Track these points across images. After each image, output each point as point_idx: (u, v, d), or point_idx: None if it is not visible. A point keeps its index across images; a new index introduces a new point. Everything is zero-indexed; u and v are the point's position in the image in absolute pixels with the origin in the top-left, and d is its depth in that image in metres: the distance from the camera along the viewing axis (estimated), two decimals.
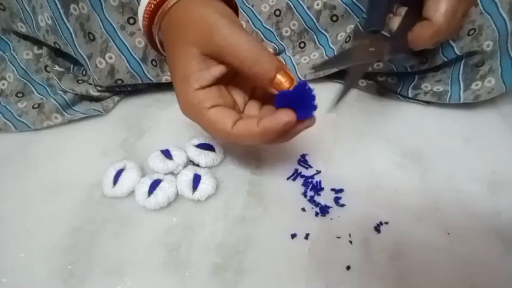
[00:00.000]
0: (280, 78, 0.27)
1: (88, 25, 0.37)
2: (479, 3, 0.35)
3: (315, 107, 0.27)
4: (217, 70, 0.28)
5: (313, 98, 0.27)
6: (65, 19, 0.36)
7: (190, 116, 0.29)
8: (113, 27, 0.38)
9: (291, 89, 0.27)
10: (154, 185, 0.34)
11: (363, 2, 0.40)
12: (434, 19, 0.30)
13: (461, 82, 0.40)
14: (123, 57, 0.39)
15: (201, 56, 0.28)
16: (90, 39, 0.37)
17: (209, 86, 0.28)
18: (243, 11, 0.45)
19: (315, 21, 0.43)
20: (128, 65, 0.39)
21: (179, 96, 0.29)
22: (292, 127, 0.27)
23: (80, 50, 0.38)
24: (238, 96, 0.32)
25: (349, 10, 0.41)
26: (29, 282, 0.30)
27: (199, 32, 0.27)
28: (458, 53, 0.38)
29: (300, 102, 0.27)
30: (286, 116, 0.26)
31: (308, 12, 0.42)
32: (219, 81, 0.29)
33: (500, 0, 0.35)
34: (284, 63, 0.32)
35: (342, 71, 0.43)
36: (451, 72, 0.40)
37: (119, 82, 0.40)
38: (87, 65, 0.39)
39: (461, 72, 0.40)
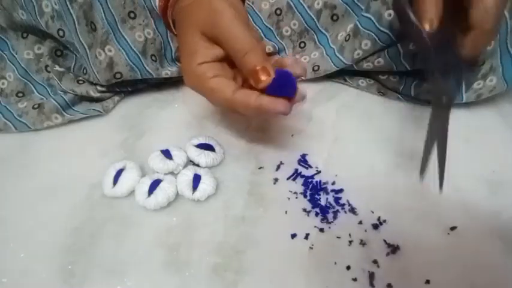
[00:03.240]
0: (259, 73, 0.30)
1: (91, 14, 0.37)
2: None
3: (295, 89, 0.31)
4: (220, 51, 0.32)
5: (294, 82, 0.31)
6: (69, 5, 0.36)
7: (193, 87, 0.32)
8: (115, 18, 0.38)
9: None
10: (154, 185, 0.34)
11: (363, 1, 0.40)
12: (483, 27, 0.30)
13: (463, 88, 0.41)
14: (123, 50, 0.39)
15: (205, 37, 0.31)
16: (91, 28, 0.38)
17: (213, 62, 0.32)
18: None
19: (315, 20, 0.43)
20: (127, 57, 0.39)
21: (185, 70, 0.33)
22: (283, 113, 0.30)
23: (81, 39, 0.38)
24: (240, 79, 0.34)
25: (350, 9, 0.41)
26: (29, 282, 0.30)
27: (204, 17, 0.31)
28: None
29: (284, 86, 0.31)
30: (283, 106, 0.30)
31: (308, 11, 0.42)
32: (222, 61, 0.32)
33: None
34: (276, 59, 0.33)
35: (341, 70, 0.43)
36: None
37: (118, 76, 0.40)
38: (87, 56, 0.39)
39: (464, 78, 0.40)
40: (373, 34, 0.39)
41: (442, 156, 0.32)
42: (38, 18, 0.38)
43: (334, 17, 0.42)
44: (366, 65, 0.42)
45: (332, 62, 0.43)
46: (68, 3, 0.36)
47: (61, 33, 0.39)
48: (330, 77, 0.45)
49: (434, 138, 0.33)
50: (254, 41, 0.30)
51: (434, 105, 0.34)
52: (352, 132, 0.41)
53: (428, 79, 0.36)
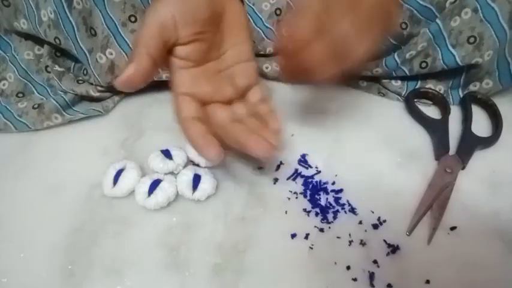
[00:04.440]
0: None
1: (90, 20, 0.37)
2: (479, 10, 0.36)
3: None
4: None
5: None
6: (68, 12, 0.36)
7: None
8: (115, 23, 0.38)
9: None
10: (154, 185, 0.34)
11: None
12: None
13: (460, 88, 0.42)
14: (124, 53, 0.39)
15: None
16: (91, 34, 0.38)
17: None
18: None
19: None
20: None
21: None
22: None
23: (81, 44, 0.38)
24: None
25: None
26: (29, 282, 0.30)
27: None
28: (459, 62, 0.38)
29: None
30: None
31: None
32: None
33: (500, 8, 0.35)
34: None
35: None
36: (451, 80, 0.42)
37: None
38: (88, 60, 0.39)
39: (462, 79, 0.41)
40: None
41: (439, 217, 0.33)
42: (38, 27, 0.39)
43: None
44: (364, 73, 0.43)
45: None
46: (66, 10, 0.36)
47: (57, 41, 0.39)
48: None
49: (434, 197, 0.34)
50: (140, 44, 0.28)
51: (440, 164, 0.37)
52: (352, 132, 0.41)
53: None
